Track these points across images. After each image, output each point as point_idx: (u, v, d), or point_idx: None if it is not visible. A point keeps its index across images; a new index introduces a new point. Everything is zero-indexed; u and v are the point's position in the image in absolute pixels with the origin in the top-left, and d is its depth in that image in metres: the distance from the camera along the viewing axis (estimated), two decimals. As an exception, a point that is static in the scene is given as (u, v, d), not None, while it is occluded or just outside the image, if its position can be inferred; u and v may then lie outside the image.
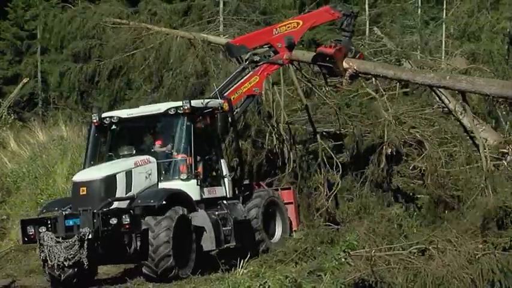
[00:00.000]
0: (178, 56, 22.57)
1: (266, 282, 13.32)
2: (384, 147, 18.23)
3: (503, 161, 17.46)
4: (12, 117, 28.93)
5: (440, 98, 19.13)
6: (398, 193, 18.69)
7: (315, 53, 18.68)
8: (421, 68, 20.84)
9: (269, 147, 20.25)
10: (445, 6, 40.58)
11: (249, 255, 15.83)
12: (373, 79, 19.12)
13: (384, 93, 19.79)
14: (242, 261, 15.33)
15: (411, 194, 18.37)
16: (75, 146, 23.84)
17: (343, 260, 14.13)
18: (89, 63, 25.23)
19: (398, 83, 19.84)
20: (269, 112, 20.44)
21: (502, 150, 17.88)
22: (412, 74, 16.79)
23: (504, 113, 19.18)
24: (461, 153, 17.88)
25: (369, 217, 17.35)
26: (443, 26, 41.59)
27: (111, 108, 24.60)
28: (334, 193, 18.99)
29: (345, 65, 17.60)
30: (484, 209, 14.42)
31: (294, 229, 18.50)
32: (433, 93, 20.32)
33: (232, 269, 15.25)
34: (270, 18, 25.72)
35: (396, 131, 18.44)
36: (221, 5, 38.89)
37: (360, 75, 17.84)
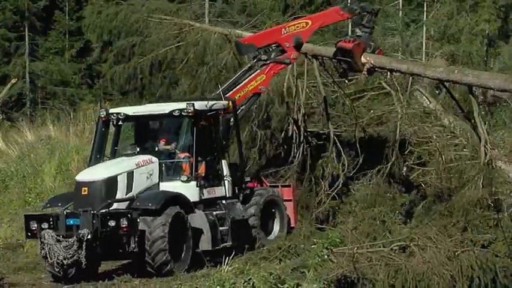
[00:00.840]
0: (215, 50, 22.47)
1: (251, 279, 13.34)
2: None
3: (481, 160, 17.53)
4: (1, 117, 28.86)
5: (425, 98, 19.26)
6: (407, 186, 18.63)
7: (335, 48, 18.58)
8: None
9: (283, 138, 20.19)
10: (425, 9, 40.71)
11: (233, 253, 15.91)
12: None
13: (367, 93, 19.84)
14: (227, 258, 15.38)
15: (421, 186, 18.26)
16: (62, 146, 23.78)
17: (326, 257, 14.17)
18: (129, 63, 25.15)
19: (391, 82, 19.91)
20: (288, 103, 20.29)
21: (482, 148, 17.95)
22: (424, 68, 16.86)
23: (483, 113, 19.25)
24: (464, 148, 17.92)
25: (358, 214, 17.38)
26: (424, 28, 41.71)
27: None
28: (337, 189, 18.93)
29: (363, 59, 17.54)
30: (470, 201, 14.51)
31: (291, 226, 18.51)
32: (416, 93, 20.45)
33: (218, 266, 15.25)
34: (255, 21, 25.68)
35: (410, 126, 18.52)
36: (206, 7, 38.98)
37: (377, 69, 17.81)
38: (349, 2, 22.15)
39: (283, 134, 20.14)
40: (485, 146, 14.97)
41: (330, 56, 18.84)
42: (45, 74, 43.26)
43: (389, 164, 18.34)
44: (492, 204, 15.04)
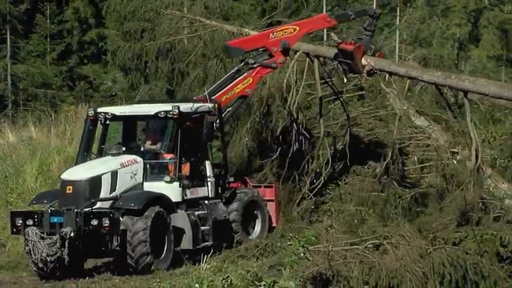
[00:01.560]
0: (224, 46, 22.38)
1: (228, 276, 13.35)
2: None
3: (453, 160, 17.63)
4: (-18, 119, 28.69)
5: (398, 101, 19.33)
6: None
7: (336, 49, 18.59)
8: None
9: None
10: (398, 13, 40.99)
11: (212, 251, 15.93)
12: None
13: (342, 96, 19.88)
14: (206, 256, 15.40)
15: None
16: (44, 147, 23.71)
17: (302, 255, 14.19)
18: (137, 43, 25.07)
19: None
20: (286, 99, 20.26)
21: (452, 150, 18.05)
22: (421, 72, 16.94)
23: (454, 115, 19.35)
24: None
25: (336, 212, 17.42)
26: (397, 32, 41.95)
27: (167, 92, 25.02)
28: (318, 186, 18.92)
29: (363, 61, 17.59)
30: (462, 201, 14.60)
31: (273, 225, 18.54)
32: (388, 95, 20.51)
33: (197, 265, 15.27)
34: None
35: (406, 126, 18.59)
36: (185, 11, 38.85)
37: (376, 71, 17.84)
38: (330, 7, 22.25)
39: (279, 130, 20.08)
40: (476, 150, 15.03)
41: (331, 57, 18.88)
42: (26, 76, 43.13)
43: (384, 164, 18.31)
44: (481, 206, 15.14)
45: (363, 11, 20.02)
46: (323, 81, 19.64)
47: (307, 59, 19.56)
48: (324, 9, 37.58)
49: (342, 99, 19.77)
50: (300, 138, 19.49)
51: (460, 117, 18.87)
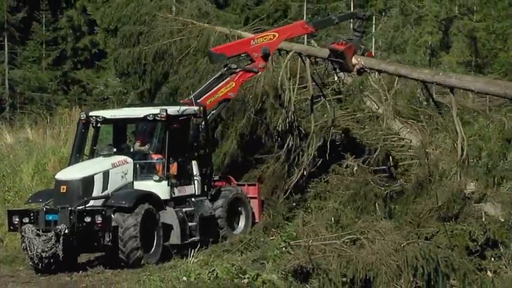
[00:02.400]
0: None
1: (214, 269, 13.34)
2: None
3: (425, 160, 17.66)
4: (-19, 122, 28.53)
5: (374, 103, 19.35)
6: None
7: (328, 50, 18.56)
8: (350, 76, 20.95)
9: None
10: (374, 22, 41.06)
11: (198, 246, 15.92)
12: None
13: (321, 99, 19.87)
14: (193, 251, 15.39)
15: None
16: (39, 147, 23.59)
17: (283, 249, 14.19)
18: (135, 48, 24.92)
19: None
20: (280, 97, 20.15)
21: (426, 150, 18.08)
22: (410, 70, 16.78)
23: (426, 117, 19.39)
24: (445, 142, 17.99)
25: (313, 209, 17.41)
26: (373, 39, 42.04)
27: (155, 91, 24.68)
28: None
29: (353, 61, 17.53)
30: (449, 191, 14.58)
31: (256, 221, 18.53)
32: (365, 98, 20.51)
33: (184, 259, 15.24)
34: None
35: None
36: (176, 14, 38.66)
37: (366, 70, 17.83)
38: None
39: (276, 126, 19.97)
40: (462, 143, 15.04)
41: (323, 57, 18.84)
42: (23, 80, 42.99)
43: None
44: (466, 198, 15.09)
45: (350, 14, 20.01)
46: (314, 83, 19.59)
47: (299, 59, 19.55)
48: (305, 18, 37.56)
49: (327, 99, 19.72)
50: (295, 134, 19.40)
51: (437, 116, 18.91)
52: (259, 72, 18.83)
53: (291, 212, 18.50)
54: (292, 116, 19.28)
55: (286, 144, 19.13)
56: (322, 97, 19.86)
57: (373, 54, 18.58)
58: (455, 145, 15.63)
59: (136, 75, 26.54)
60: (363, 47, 18.17)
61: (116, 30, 28.86)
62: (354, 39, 18.08)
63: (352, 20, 19.24)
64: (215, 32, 22.80)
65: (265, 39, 18.44)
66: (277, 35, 18.68)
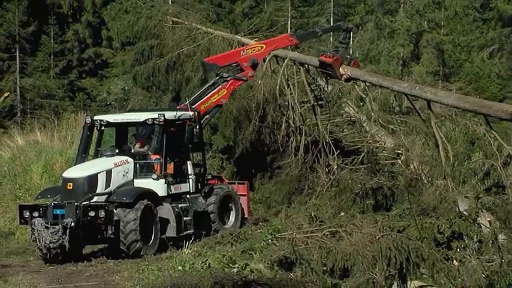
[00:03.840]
0: (220, 52, 21.79)
1: (207, 260, 13.33)
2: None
3: (398, 160, 17.68)
4: (-5, 125, 28.39)
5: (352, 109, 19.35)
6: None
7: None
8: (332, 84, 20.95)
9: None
10: (352, 35, 41.02)
11: (192, 238, 15.88)
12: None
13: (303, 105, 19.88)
14: (188, 243, 15.36)
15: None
16: (48, 149, 23.47)
17: (270, 241, 14.19)
18: (149, 63, 24.74)
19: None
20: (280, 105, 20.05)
21: (397, 151, 18.11)
22: (391, 82, 16.80)
23: (399, 121, 19.42)
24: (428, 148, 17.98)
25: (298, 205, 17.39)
26: (351, 50, 41.98)
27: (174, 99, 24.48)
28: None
29: (341, 71, 17.58)
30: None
31: (245, 216, 18.51)
32: (344, 104, 20.52)
33: (180, 250, 15.21)
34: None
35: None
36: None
37: (352, 79, 17.85)
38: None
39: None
40: (445, 149, 15.05)
41: (314, 65, 18.83)
42: (33, 88, 42.80)
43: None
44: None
45: (335, 26, 19.95)
46: (309, 87, 19.54)
47: (294, 67, 19.55)
48: (289, 31, 37.55)
49: (311, 104, 19.69)
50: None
51: (404, 123, 18.94)
52: (248, 80, 18.86)
53: (269, 208, 18.57)
54: (296, 118, 19.21)
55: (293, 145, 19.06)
56: (309, 102, 19.85)
57: (358, 62, 18.55)
58: (436, 153, 15.62)
59: (154, 88, 26.49)
60: (348, 56, 18.20)
61: (123, 44, 28.58)
62: (340, 51, 18.14)
63: (335, 32, 19.23)
64: (218, 36, 22.62)
65: (253, 50, 18.48)
66: (264, 46, 18.74)
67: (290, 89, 19.44)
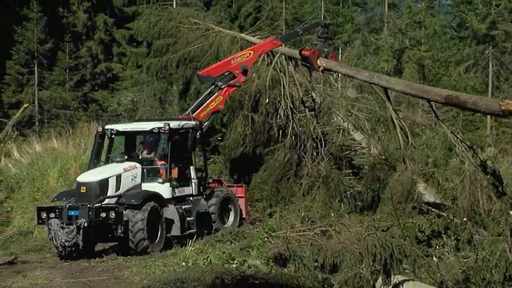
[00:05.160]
0: (227, 50, 21.81)
1: (208, 256, 13.30)
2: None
3: (361, 144, 17.70)
4: (15, 134, 28.31)
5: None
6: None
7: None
8: (322, 96, 20.90)
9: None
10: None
11: (195, 237, 15.85)
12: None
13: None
14: (191, 241, 15.34)
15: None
16: (63, 155, 23.44)
17: (266, 239, 14.16)
18: (162, 57, 24.60)
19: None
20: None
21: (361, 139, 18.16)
22: (356, 72, 17.16)
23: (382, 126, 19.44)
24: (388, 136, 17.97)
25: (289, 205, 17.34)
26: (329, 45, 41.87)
27: (181, 95, 24.55)
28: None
29: (318, 63, 17.70)
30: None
31: (243, 217, 18.46)
32: (333, 114, 20.48)
33: (183, 247, 15.18)
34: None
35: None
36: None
37: (327, 70, 17.94)
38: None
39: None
40: (404, 133, 15.20)
41: (298, 58, 18.79)
42: (50, 100, 42.77)
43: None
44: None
45: (314, 24, 20.05)
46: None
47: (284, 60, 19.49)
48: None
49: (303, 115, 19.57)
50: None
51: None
52: (241, 86, 18.78)
53: (272, 208, 18.49)
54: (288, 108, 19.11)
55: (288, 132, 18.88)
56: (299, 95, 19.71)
57: (335, 55, 18.75)
58: (396, 136, 15.75)
59: (165, 80, 26.48)
60: (326, 50, 18.25)
61: (137, 42, 28.15)
62: (318, 45, 18.25)
63: (316, 28, 19.32)
64: (227, 36, 22.51)
65: (242, 57, 18.46)
66: (252, 52, 18.75)
67: (282, 80, 19.34)
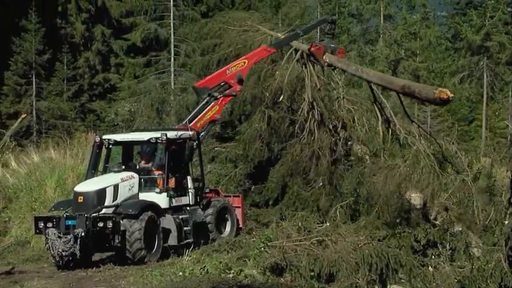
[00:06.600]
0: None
1: (205, 266, 13.29)
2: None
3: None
4: (13, 144, 28.25)
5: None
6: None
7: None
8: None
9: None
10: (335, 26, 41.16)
11: (192, 246, 15.82)
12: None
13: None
14: (188, 250, 15.31)
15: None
16: (61, 165, 23.38)
17: (262, 249, 14.15)
18: (205, 57, 24.60)
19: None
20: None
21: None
22: (346, 65, 17.34)
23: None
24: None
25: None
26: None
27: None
28: None
29: (324, 58, 17.72)
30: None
31: (239, 226, 18.44)
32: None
33: (180, 257, 15.15)
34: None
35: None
36: (172, 60, 38.75)
37: (330, 65, 17.88)
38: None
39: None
40: (385, 127, 15.32)
41: (307, 53, 18.58)
42: (48, 110, 42.74)
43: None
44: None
45: (320, 21, 19.77)
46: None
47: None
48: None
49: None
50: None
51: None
52: (237, 95, 18.72)
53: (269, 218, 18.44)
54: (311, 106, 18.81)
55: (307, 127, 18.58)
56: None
57: (343, 51, 18.75)
58: (378, 128, 15.87)
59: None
60: (332, 45, 18.20)
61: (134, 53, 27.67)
62: (324, 41, 18.28)
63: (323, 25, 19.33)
64: (265, 33, 22.30)
65: (237, 67, 18.42)
66: (246, 61, 18.65)
67: (306, 78, 19.03)
